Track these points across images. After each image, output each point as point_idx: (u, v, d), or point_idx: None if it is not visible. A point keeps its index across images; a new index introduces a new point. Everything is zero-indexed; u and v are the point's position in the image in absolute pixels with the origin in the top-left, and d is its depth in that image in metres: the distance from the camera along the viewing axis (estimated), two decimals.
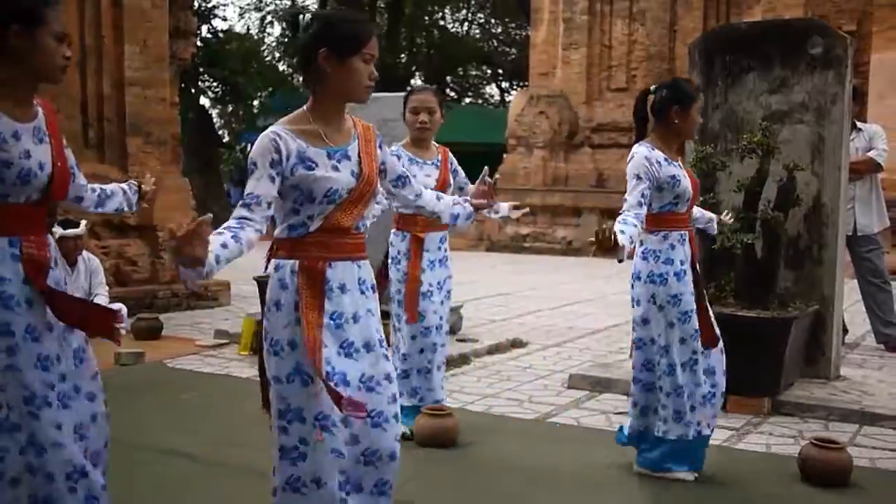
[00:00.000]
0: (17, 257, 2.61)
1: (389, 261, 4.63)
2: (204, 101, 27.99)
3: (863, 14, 14.17)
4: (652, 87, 3.98)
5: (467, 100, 36.12)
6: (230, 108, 32.63)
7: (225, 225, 2.39)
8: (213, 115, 31.07)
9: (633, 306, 3.98)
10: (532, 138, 17.57)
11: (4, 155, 2.55)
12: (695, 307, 3.87)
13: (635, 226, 3.57)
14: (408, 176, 2.81)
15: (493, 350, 6.87)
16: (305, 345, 2.44)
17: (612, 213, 15.80)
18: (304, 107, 2.56)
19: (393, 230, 4.62)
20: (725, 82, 5.80)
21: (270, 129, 2.48)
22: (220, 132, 31.86)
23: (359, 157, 2.56)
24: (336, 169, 2.50)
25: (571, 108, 17.56)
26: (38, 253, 2.65)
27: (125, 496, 3.20)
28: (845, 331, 6.76)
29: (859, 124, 6.91)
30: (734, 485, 3.91)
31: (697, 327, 3.86)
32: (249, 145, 29.08)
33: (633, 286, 3.95)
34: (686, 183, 3.86)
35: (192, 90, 23.52)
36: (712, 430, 3.99)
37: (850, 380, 5.65)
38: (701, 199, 5.28)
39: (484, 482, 3.90)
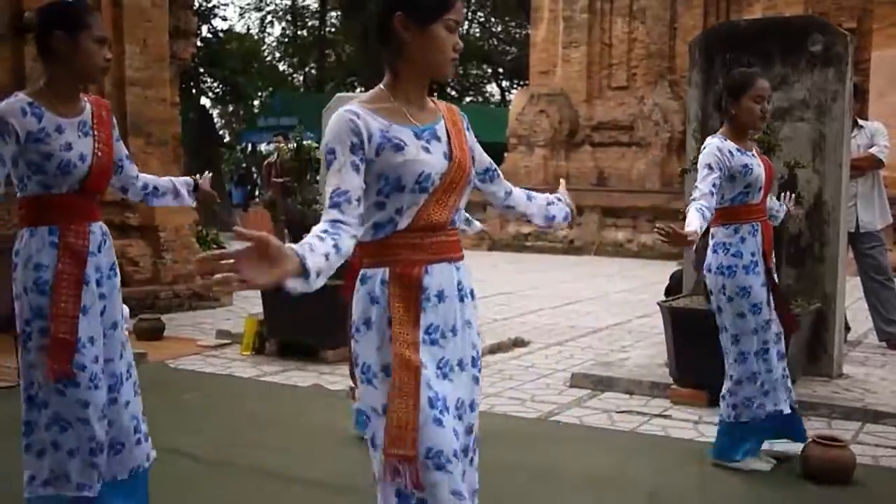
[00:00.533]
0: (56, 245, 2.81)
1: None
2: (204, 100, 28.02)
3: (863, 11, 14.15)
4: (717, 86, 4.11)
5: (468, 98, 36.16)
6: (231, 108, 32.66)
7: (319, 229, 1.99)
8: (214, 114, 31.08)
9: (709, 295, 4.13)
10: (533, 137, 17.56)
11: (46, 147, 2.76)
12: (766, 298, 3.96)
13: (704, 212, 3.62)
14: (496, 169, 2.44)
15: (495, 349, 6.86)
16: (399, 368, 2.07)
17: (613, 212, 15.69)
18: (381, 85, 2.20)
19: None
20: None
21: (345, 108, 2.10)
22: (221, 132, 31.88)
23: (448, 137, 2.20)
24: (427, 150, 2.13)
25: (572, 106, 17.54)
26: (76, 241, 2.83)
27: None
28: (847, 328, 6.75)
29: (860, 121, 6.90)
30: (737, 482, 3.90)
31: (769, 318, 3.96)
32: (250, 145, 29.15)
33: (706, 277, 4.09)
34: (759, 171, 3.94)
35: (193, 90, 23.54)
36: (795, 405, 4.11)
37: (853, 377, 5.64)
38: None
39: (486, 481, 3.88)
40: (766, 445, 4.13)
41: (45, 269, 2.81)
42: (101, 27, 2.85)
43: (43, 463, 2.86)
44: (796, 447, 4.06)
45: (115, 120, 3.04)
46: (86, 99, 2.93)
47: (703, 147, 3.95)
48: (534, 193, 2.58)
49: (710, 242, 4.08)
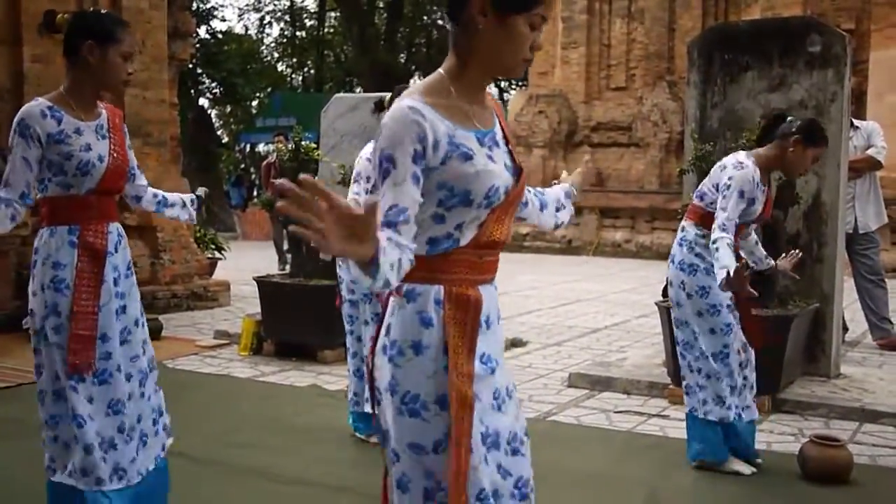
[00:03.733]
0: (75, 244, 2.91)
1: (340, 259, 4.52)
2: (203, 101, 28.00)
3: (861, 12, 14.16)
4: (790, 116, 3.99)
5: None
6: (229, 109, 32.65)
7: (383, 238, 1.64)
8: (212, 115, 31.06)
9: (667, 287, 4.14)
10: (531, 137, 17.57)
11: (66, 148, 2.87)
12: (727, 303, 3.92)
13: (731, 248, 3.64)
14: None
15: None
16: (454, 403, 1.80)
17: (612, 212, 15.64)
18: (442, 70, 1.89)
19: None
20: (724, 81, 5.80)
21: (406, 102, 1.78)
22: (219, 132, 31.87)
23: (506, 143, 1.94)
24: (491, 159, 1.86)
25: (570, 107, 17.56)
26: (94, 240, 2.93)
27: None
28: (845, 329, 6.77)
29: (856, 122, 6.91)
30: (734, 482, 3.91)
31: (730, 322, 3.91)
32: (248, 146, 28.98)
33: (669, 268, 4.08)
34: (758, 210, 3.89)
35: (191, 91, 23.54)
36: (750, 420, 4.04)
37: (851, 377, 5.65)
38: None
39: None
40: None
41: (62, 268, 2.90)
42: (131, 43, 2.96)
43: (67, 458, 2.93)
44: (749, 468, 4.01)
45: (126, 129, 3.14)
46: (102, 105, 3.04)
47: (736, 165, 3.80)
48: (545, 198, 2.33)
49: (679, 234, 4.07)
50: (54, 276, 2.89)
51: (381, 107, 4.47)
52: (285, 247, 11.22)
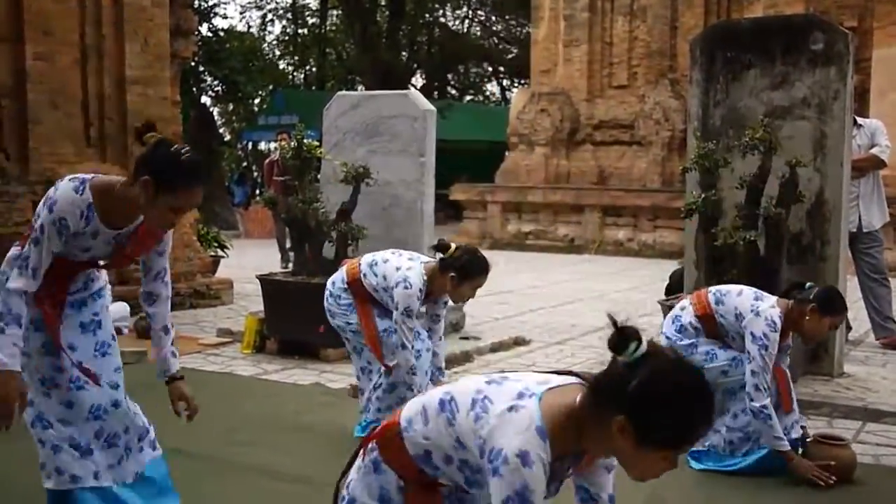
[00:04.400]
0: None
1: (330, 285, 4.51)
2: (205, 99, 27.97)
3: (864, 9, 14.11)
4: (808, 283, 3.98)
5: (468, 98, 36.16)
6: (231, 107, 32.64)
7: None
8: (215, 113, 31.05)
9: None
10: (533, 136, 17.55)
11: (73, 241, 2.81)
12: (719, 344, 4.04)
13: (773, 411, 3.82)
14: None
15: (496, 348, 6.86)
16: None
17: (614, 211, 15.58)
18: (578, 404, 1.92)
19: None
20: (726, 79, 5.79)
21: (540, 454, 1.79)
22: (222, 130, 31.86)
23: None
24: None
25: (573, 105, 17.53)
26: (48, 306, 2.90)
27: None
28: (849, 328, 6.75)
29: (859, 120, 6.89)
30: (737, 482, 3.90)
31: (734, 356, 3.96)
32: (250, 144, 28.87)
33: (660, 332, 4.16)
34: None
35: (194, 88, 23.53)
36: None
37: (854, 377, 5.64)
38: (703, 195, 5.29)
39: None
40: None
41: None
42: (189, 200, 2.75)
43: (40, 456, 2.98)
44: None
45: (167, 239, 3.01)
46: (140, 220, 2.89)
47: (771, 325, 3.78)
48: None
49: (676, 311, 4.16)
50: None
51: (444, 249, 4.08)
52: (288, 245, 11.20)
